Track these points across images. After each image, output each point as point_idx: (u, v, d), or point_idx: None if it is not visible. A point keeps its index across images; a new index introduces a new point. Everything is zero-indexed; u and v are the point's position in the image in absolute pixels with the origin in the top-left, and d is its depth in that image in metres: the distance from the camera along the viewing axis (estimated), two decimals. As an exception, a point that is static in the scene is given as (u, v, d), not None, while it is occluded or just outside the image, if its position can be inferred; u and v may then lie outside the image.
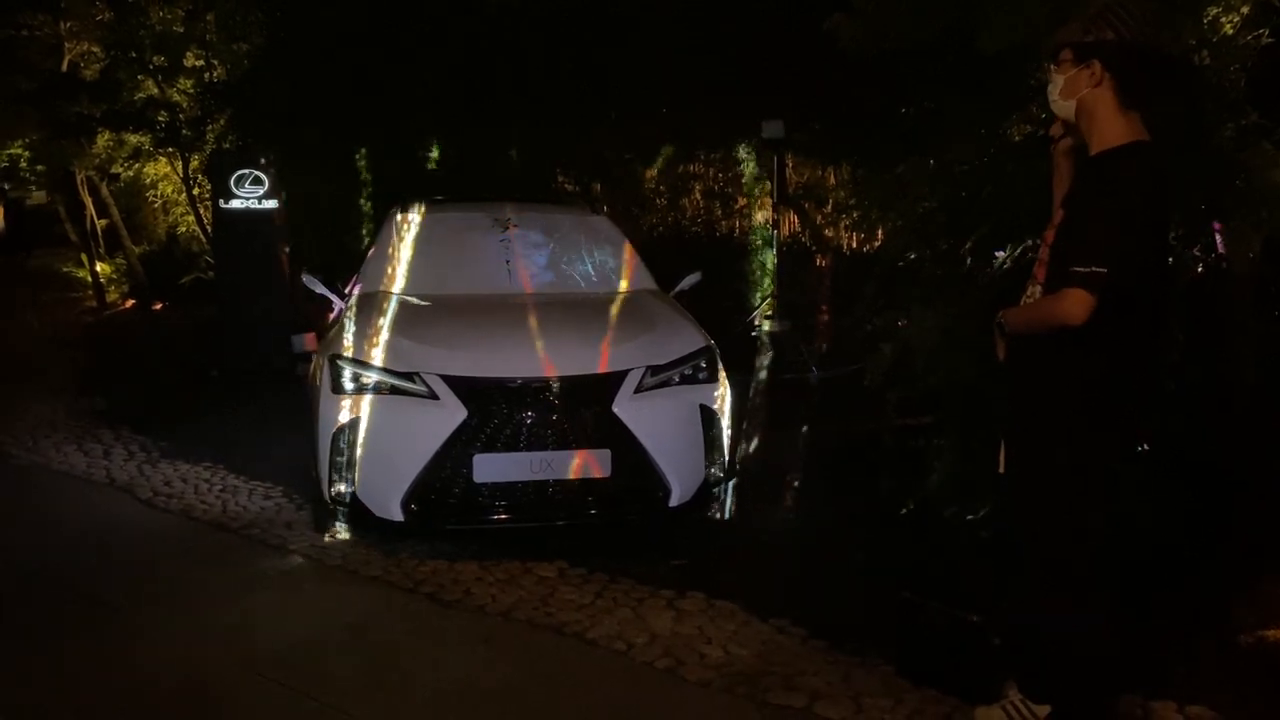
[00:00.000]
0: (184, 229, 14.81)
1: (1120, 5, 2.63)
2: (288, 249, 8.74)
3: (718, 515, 4.86)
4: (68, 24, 12.54)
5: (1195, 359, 3.97)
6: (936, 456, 4.66)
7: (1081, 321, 2.51)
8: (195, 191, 12.65)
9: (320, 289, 5.63)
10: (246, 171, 8.49)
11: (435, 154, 10.96)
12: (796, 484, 5.47)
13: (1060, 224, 2.69)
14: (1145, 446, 2.79)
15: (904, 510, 4.67)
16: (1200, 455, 3.86)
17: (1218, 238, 4.01)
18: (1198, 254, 4.10)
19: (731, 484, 4.95)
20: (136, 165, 13.74)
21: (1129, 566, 2.97)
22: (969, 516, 4.26)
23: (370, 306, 5.17)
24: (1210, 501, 3.85)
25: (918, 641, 3.38)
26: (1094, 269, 2.49)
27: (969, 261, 4.64)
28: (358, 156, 10.83)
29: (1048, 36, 2.78)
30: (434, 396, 4.43)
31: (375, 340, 4.70)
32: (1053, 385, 2.69)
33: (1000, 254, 4.56)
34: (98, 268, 14.48)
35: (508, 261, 5.62)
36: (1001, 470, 2.87)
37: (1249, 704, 3.15)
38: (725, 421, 4.76)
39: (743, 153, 10.26)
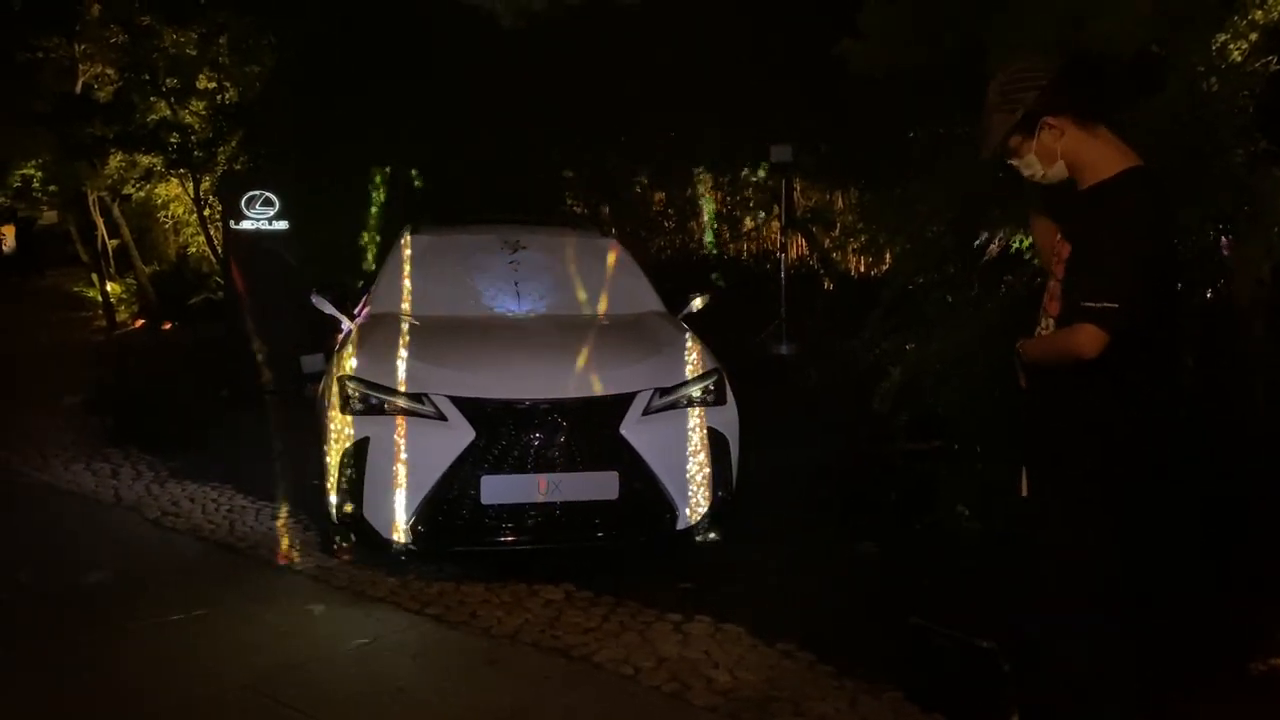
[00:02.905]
0: (194, 249, 14.90)
1: (1013, 68, 2.67)
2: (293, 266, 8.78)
3: (725, 538, 4.84)
4: (82, 46, 12.64)
5: (1206, 384, 3.96)
6: (946, 480, 4.65)
7: (1095, 356, 2.52)
8: (206, 213, 12.73)
9: (329, 309, 5.64)
10: (257, 193, 8.54)
11: (444, 176, 11.04)
12: (804, 507, 5.44)
13: (1068, 258, 2.68)
14: (1158, 474, 2.77)
15: (913, 534, 4.65)
16: (1212, 481, 3.84)
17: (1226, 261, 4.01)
18: (1208, 279, 4.10)
19: (739, 506, 4.92)
20: (148, 186, 13.82)
21: (1141, 594, 2.95)
22: (979, 540, 4.24)
23: (379, 327, 5.18)
24: (1222, 528, 3.83)
25: (927, 667, 3.36)
26: (1105, 305, 2.49)
27: (977, 286, 4.65)
28: (367, 177, 10.92)
29: (995, 141, 2.71)
30: (442, 417, 4.43)
31: (384, 361, 4.71)
32: (1070, 413, 2.68)
33: (1008, 278, 4.57)
34: (108, 287, 14.55)
35: (516, 283, 5.63)
36: (1024, 494, 2.86)
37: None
38: (733, 444, 4.75)
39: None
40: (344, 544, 4.66)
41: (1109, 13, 3.93)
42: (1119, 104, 2.73)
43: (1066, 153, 2.66)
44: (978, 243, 4.55)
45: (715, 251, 11.24)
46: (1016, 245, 4.39)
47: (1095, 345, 2.51)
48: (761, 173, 10.56)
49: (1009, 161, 2.78)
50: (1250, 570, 3.79)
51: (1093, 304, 2.50)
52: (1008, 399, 2.99)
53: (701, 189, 11.29)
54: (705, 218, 11.39)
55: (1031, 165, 2.72)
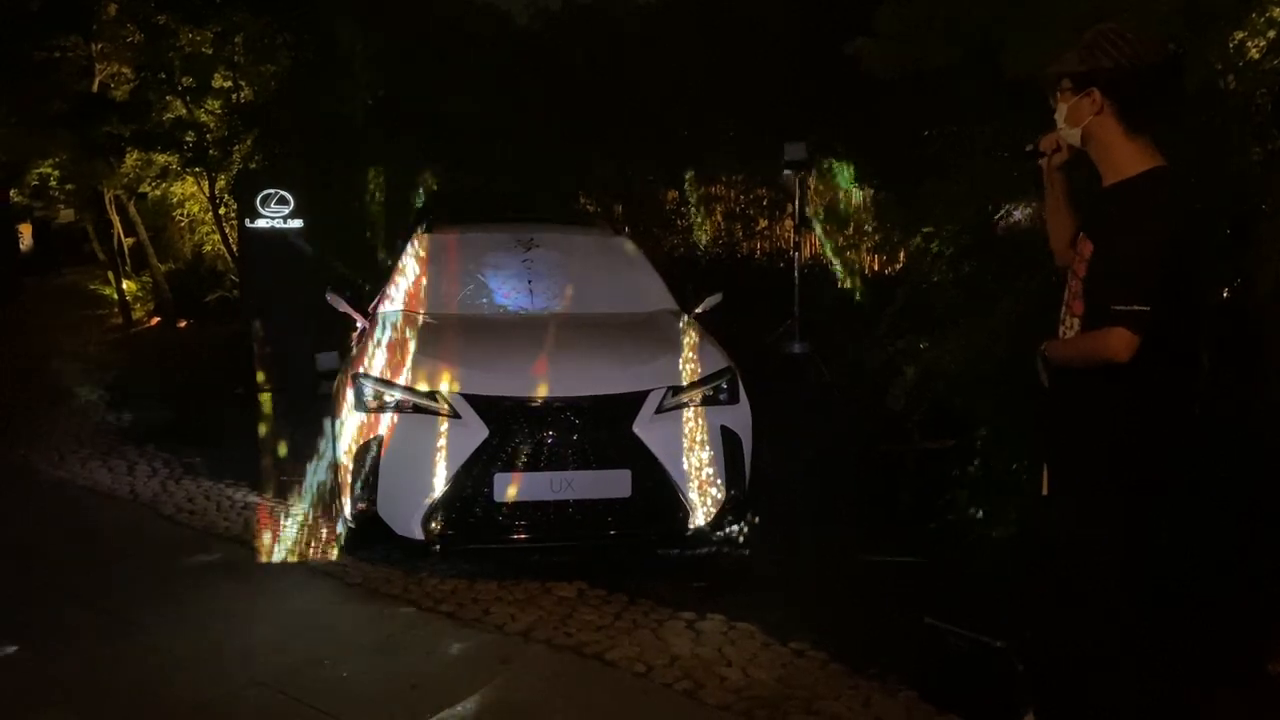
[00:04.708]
0: (209, 248, 14.95)
1: (1114, 32, 2.62)
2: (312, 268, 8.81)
3: (738, 536, 4.84)
4: (99, 45, 12.69)
5: (1223, 386, 3.93)
6: (960, 480, 4.64)
7: (1127, 359, 2.50)
8: (221, 211, 12.78)
9: (343, 307, 5.66)
10: (272, 191, 8.57)
11: (457, 175, 11.06)
12: (817, 506, 5.44)
13: (1090, 257, 2.66)
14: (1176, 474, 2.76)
15: (927, 533, 4.64)
16: (1227, 482, 3.81)
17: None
18: (1224, 279, 4.08)
19: (752, 505, 4.92)
20: (164, 184, 13.88)
21: (1157, 595, 2.94)
22: (993, 540, 4.22)
23: (393, 325, 5.20)
24: (1238, 530, 3.80)
25: (940, 666, 3.35)
26: (1135, 308, 2.47)
27: (992, 283, 4.63)
28: (381, 176, 10.94)
29: (1048, 66, 2.76)
30: (456, 415, 4.44)
31: (398, 358, 4.73)
32: (1092, 415, 2.67)
33: (1023, 277, 4.54)
34: (124, 285, 14.63)
35: (529, 281, 5.65)
36: (1045, 492, 2.85)
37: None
38: (746, 443, 4.75)
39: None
40: (357, 541, 4.68)
41: (1130, 10, 3.90)
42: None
43: (1093, 130, 2.65)
44: (998, 223, 4.53)
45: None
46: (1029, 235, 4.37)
47: (1127, 348, 2.49)
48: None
49: (1050, 101, 2.76)
50: (1265, 572, 3.76)
51: (1123, 307, 2.49)
52: (1022, 398, 2.98)
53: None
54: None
55: (1060, 112, 2.72)
